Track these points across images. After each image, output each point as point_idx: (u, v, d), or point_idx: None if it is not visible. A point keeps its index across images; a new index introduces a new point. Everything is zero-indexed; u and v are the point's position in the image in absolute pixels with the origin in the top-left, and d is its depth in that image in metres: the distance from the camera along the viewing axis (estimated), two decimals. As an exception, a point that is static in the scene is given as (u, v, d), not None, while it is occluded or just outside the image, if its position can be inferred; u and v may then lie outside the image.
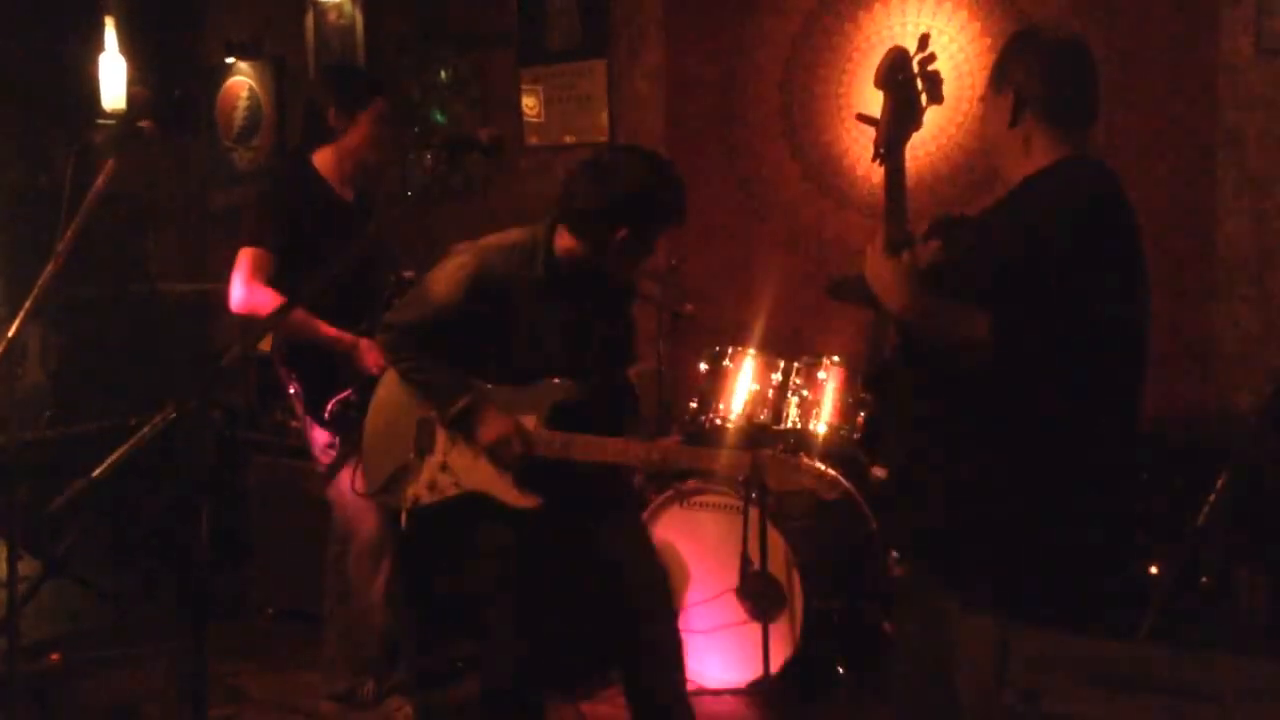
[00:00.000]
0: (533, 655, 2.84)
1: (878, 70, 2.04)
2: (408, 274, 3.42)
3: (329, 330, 3.27)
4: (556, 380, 2.74)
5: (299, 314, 3.22)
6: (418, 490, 2.77)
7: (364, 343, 3.26)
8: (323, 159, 3.42)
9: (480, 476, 2.74)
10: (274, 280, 3.25)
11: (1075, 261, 1.96)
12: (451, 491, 2.76)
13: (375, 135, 3.41)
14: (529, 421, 2.71)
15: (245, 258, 3.26)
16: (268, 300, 3.21)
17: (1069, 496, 2.06)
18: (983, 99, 2.22)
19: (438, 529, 2.85)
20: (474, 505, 2.78)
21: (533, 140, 4.99)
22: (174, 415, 2.14)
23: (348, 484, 3.25)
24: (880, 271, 1.99)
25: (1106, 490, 2.10)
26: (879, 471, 2.43)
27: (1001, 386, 2.00)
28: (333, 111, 3.39)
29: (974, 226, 2.22)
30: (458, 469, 2.76)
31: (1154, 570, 3.04)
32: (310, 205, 3.36)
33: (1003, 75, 2.17)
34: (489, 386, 2.78)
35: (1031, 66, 2.14)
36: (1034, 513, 2.06)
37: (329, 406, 3.29)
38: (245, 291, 3.25)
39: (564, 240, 2.73)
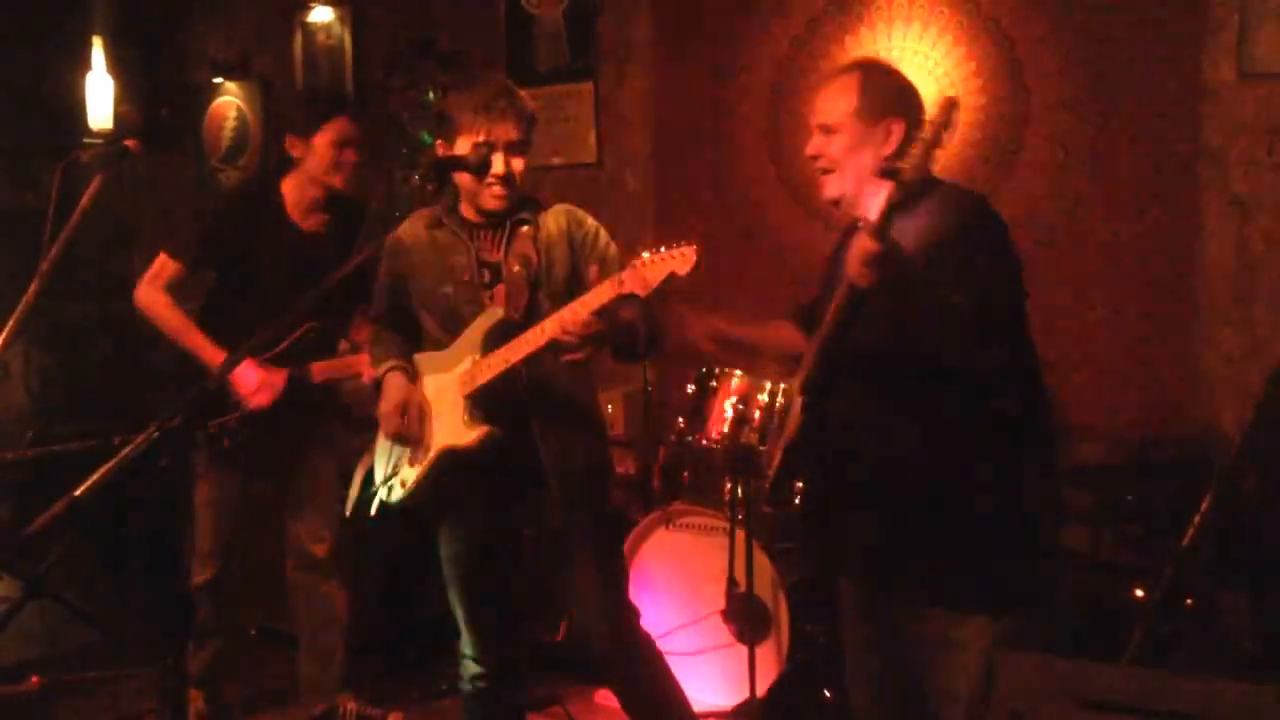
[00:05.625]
0: (508, 657, 2.84)
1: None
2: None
3: (204, 345, 3.25)
4: (479, 315, 2.67)
5: (180, 319, 3.28)
6: (406, 473, 2.75)
7: (254, 370, 3.24)
8: (288, 186, 3.36)
9: (437, 435, 2.69)
10: (181, 295, 3.32)
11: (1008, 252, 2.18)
12: (427, 458, 2.70)
13: (333, 159, 3.29)
14: (469, 362, 2.63)
15: (157, 263, 3.33)
16: (159, 306, 3.29)
17: (1038, 491, 2.19)
18: (827, 128, 2.30)
19: (406, 530, 2.83)
20: (440, 503, 2.76)
21: (520, 161, 5.00)
22: (157, 435, 2.14)
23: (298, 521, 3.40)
24: (874, 248, 1.99)
25: (1054, 483, 2.30)
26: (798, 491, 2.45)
27: (972, 385, 2.10)
28: (289, 137, 3.33)
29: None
30: (427, 439, 2.72)
31: (1139, 592, 3.04)
32: (260, 232, 3.32)
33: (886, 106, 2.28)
34: (431, 352, 2.76)
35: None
36: (1015, 511, 2.16)
37: (210, 426, 3.29)
38: (142, 293, 3.31)
39: (461, 194, 2.74)
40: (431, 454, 2.69)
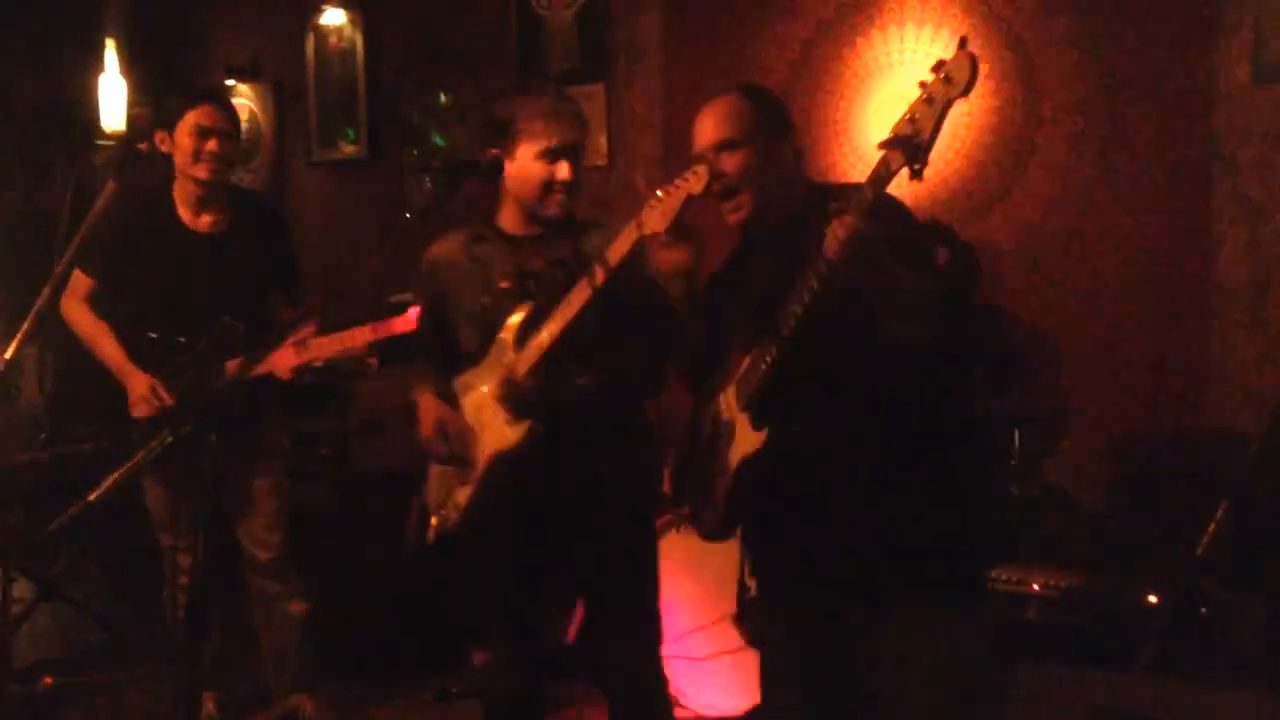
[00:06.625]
0: (533, 669, 2.82)
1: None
2: (403, 297, 3.39)
3: (116, 356, 3.27)
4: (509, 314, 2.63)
5: (96, 332, 3.30)
6: (459, 494, 2.68)
7: (140, 382, 3.21)
8: (176, 186, 3.33)
9: (484, 446, 2.62)
10: (102, 300, 3.33)
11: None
12: (476, 473, 2.63)
13: (194, 150, 3.21)
14: (509, 359, 2.58)
15: (73, 277, 3.34)
16: (76, 318, 3.33)
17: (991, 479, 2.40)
18: (731, 143, 2.28)
19: (453, 549, 2.79)
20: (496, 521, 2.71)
21: (531, 163, 5.00)
22: (170, 439, 2.15)
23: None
24: (860, 227, 1.92)
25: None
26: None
27: (929, 378, 2.10)
28: (158, 133, 3.28)
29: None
30: (475, 455, 2.65)
31: (1153, 600, 3.03)
32: (150, 238, 3.29)
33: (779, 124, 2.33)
34: (467, 372, 2.71)
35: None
36: (984, 502, 2.17)
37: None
38: (63, 306, 3.33)
39: (506, 206, 2.70)
40: (481, 466, 2.61)
